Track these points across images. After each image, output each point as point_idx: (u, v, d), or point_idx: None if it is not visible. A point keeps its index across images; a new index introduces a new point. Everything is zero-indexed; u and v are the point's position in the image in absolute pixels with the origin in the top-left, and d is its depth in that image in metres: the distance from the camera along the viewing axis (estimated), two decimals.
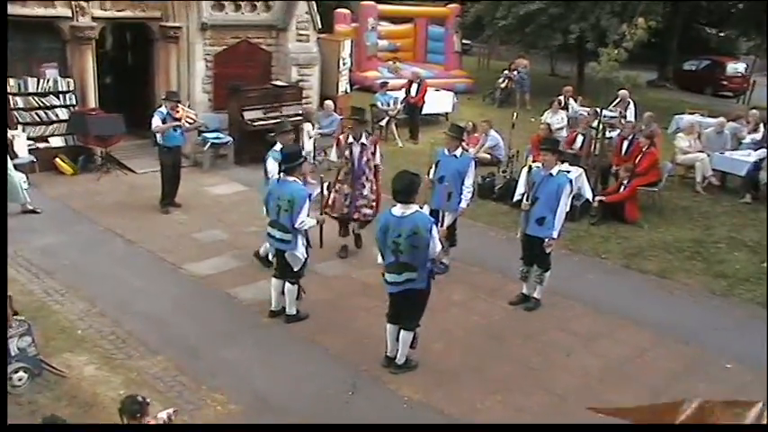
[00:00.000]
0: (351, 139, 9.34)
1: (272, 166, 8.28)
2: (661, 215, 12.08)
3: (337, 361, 7.08)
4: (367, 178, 9.42)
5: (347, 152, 9.31)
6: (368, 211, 9.51)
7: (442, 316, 7.88)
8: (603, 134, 12.72)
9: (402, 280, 6.40)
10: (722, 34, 31.03)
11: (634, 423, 2.64)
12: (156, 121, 10.80)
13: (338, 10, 23.48)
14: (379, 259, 6.60)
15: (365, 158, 9.35)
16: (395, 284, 6.46)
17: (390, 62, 23.66)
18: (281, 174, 7.38)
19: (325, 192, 9.19)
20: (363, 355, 7.15)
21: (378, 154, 9.56)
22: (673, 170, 13.36)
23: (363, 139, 9.35)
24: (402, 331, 6.75)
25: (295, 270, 7.60)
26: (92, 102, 13.24)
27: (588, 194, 11.87)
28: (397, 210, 6.28)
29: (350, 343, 7.42)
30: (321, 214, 8.40)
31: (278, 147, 8.65)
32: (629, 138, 12.82)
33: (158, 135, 10.91)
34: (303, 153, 8.16)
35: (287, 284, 7.68)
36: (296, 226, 7.25)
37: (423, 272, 6.38)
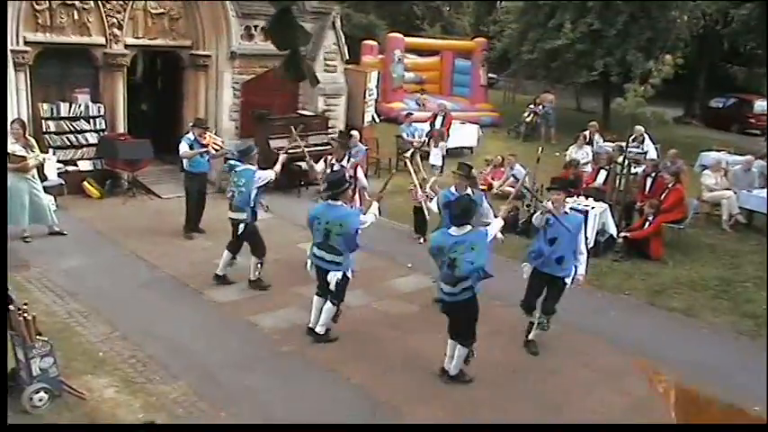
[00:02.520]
0: (333, 161, 9.76)
1: (184, 147, 10.12)
2: (686, 252, 11.92)
3: (358, 391, 7.01)
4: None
5: (328, 170, 9.49)
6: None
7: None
8: (629, 170, 12.64)
9: (458, 291, 6.89)
10: (751, 72, 30.79)
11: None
12: (183, 147, 10.92)
13: (365, 41, 23.78)
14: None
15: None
16: (451, 295, 6.94)
17: (418, 94, 23.77)
18: (330, 199, 7.62)
19: None
20: (384, 386, 7.08)
21: (361, 178, 10.10)
22: (698, 207, 13.22)
23: (344, 162, 9.73)
24: (458, 347, 7.22)
25: (338, 291, 7.76)
26: (121, 127, 13.45)
27: (612, 230, 11.78)
28: (454, 231, 6.89)
29: (371, 373, 7.36)
30: None
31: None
32: (653, 174, 12.73)
33: (185, 161, 11.02)
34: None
35: (328, 303, 7.82)
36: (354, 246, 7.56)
37: (474, 281, 6.86)
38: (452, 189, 8.59)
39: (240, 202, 9.17)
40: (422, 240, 11.32)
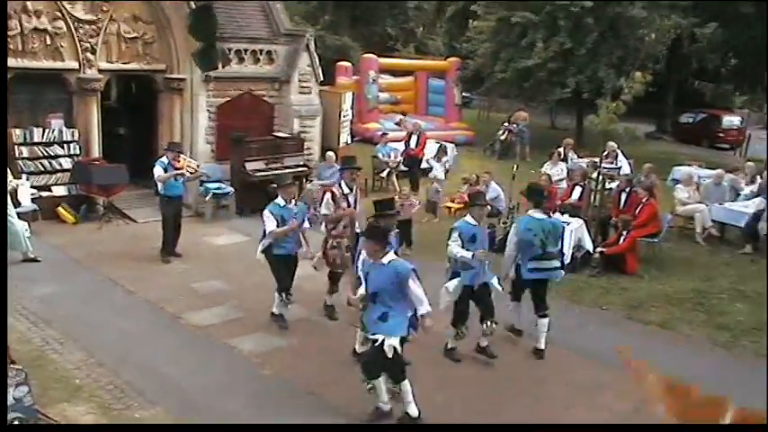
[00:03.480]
0: (346, 189, 9.00)
1: (158, 171, 9.83)
2: (662, 266, 12.04)
3: (340, 414, 6.97)
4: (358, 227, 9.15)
5: (344, 203, 8.98)
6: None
7: (443, 367, 7.78)
8: (603, 186, 12.77)
9: (552, 267, 8.14)
10: (718, 88, 31.44)
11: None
12: (157, 171, 10.87)
13: (340, 63, 23.85)
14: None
15: (359, 207, 9.17)
16: (545, 270, 8.15)
17: (399, 115, 23.73)
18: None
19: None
20: (366, 408, 7.04)
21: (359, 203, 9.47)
22: (672, 221, 13.36)
23: (355, 190, 9.20)
24: (541, 319, 8.23)
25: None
26: (95, 152, 13.36)
27: (588, 246, 11.86)
28: (538, 213, 8.08)
29: (353, 396, 7.29)
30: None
31: (280, 201, 8.68)
32: (627, 190, 12.86)
33: (160, 185, 10.97)
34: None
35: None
36: (422, 313, 6.43)
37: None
38: (470, 219, 7.92)
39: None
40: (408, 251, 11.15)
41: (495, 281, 8.04)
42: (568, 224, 11.59)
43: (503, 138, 22.57)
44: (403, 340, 6.46)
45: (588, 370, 8.21)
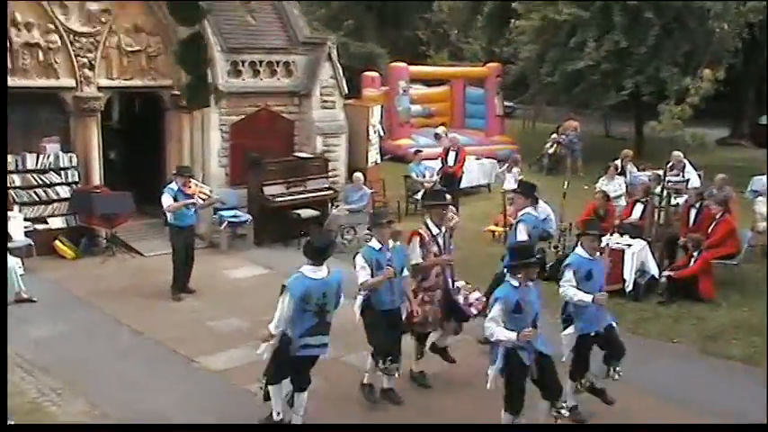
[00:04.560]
0: (435, 230, 8.40)
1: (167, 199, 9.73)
2: (743, 292, 11.80)
3: None
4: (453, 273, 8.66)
5: (434, 248, 8.37)
6: (477, 294, 8.59)
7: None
8: (668, 201, 12.60)
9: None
10: None
11: None
12: (166, 200, 10.97)
13: (366, 73, 23.98)
14: None
15: (451, 247, 8.60)
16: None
17: (438, 129, 23.68)
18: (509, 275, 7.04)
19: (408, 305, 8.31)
20: None
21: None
22: (753, 239, 13.10)
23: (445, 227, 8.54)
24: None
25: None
26: (96, 178, 13.51)
27: (654, 270, 11.70)
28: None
29: None
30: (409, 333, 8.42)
31: (375, 244, 8.04)
32: (697, 205, 12.68)
33: (169, 214, 11.07)
34: None
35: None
36: None
37: None
38: (582, 252, 7.67)
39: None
40: None
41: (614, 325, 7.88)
42: (629, 246, 11.47)
43: (551, 151, 22.45)
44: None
45: (657, 411, 8.07)
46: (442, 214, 8.49)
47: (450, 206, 9.20)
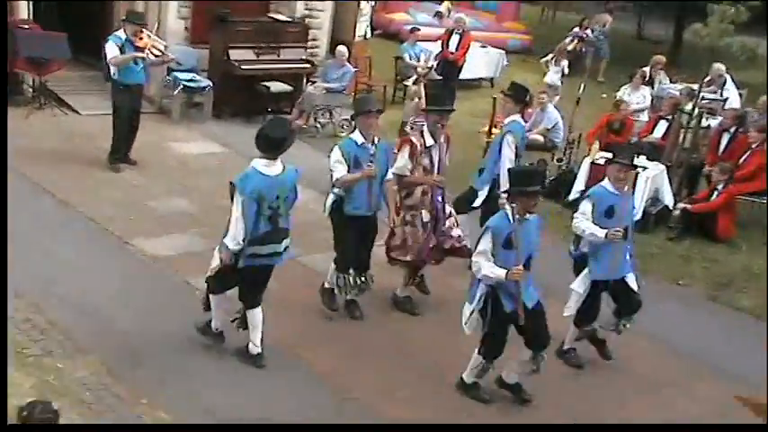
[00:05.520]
0: (430, 140, 8.27)
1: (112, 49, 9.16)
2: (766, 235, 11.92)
3: (320, 383, 7.09)
4: (444, 193, 8.61)
5: (426, 159, 8.28)
6: (458, 232, 8.60)
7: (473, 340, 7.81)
8: (699, 122, 12.57)
9: None
10: None
11: None
12: (111, 49, 10.74)
13: None
14: None
15: (445, 162, 8.49)
16: None
17: (445, 3, 23.29)
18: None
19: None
20: (353, 377, 7.16)
21: (448, 154, 8.65)
22: None
23: (442, 138, 8.40)
24: None
25: None
26: (24, 11, 13.03)
27: (668, 199, 11.78)
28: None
29: (339, 360, 7.43)
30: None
31: (357, 136, 7.98)
32: (731, 129, 12.67)
33: (113, 68, 10.86)
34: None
35: None
36: None
37: None
38: (607, 185, 7.61)
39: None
40: None
41: (632, 277, 7.84)
42: (644, 169, 11.44)
43: (570, 47, 22.20)
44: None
45: (653, 360, 8.26)
46: (439, 122, 8.28)
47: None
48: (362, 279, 8.14)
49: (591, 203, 7.50)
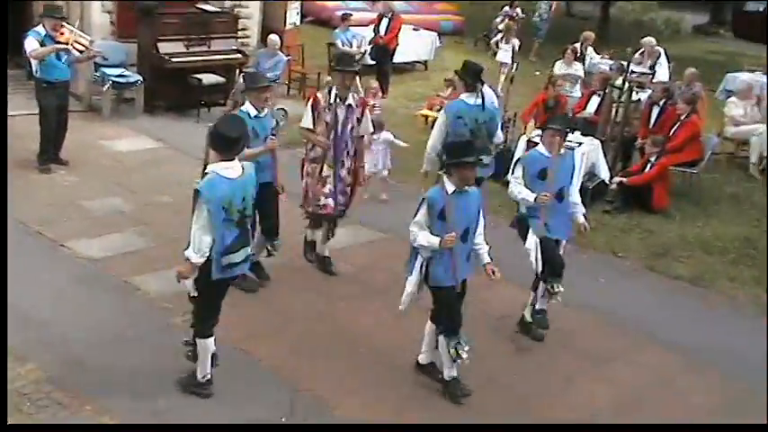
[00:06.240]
0: (335, 99, 8.67)
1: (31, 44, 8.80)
2: (700, 204, 12.15)
3: (271, 377, 7.06)
4: (348, 154, 8.89)
5: (329, 116, 8.65)
6: (341, 198, 8.95)
7: (419, 323, 7.82)
8: (629, 96, 12.73)
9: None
10: None
11: None
12: (30, 44, 10.52)
13: None
14: None
15: (350, 125, 8.78)
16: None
17: None
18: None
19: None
20: (305, 370, 7.14)
21: (368, 120, 9.09)
22: (718, 146, 13.42)
23: (350, 100, 8.75)
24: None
25: None
26: None
27: (605, 174, 11.92)
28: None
29: (288, 353, 7.40)
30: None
31: (249, 108, 8.17)
32: (661, 102, 12.85)
33: (35, 63, 10.64)
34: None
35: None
36: None
37: None
38: (541, 149, 7.85)
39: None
40: None
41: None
42: (579, 145, 11.57)
43: (501, 27, 22.30)
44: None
45: (595, 333, 8.37)
46: (346, 83, 8.65)
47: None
48: (271, 245, 8.44)
49: (522, 166, 7.79)
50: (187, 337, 6.75)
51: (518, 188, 7.72)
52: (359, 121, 8.85)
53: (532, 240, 7.80)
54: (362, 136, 9.12)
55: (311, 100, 8.81)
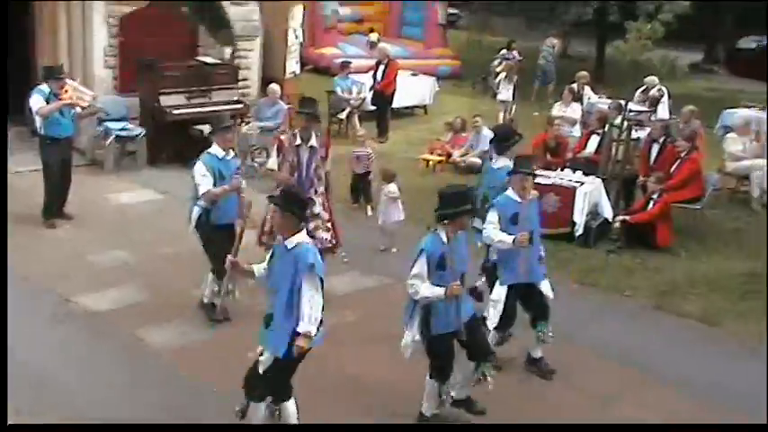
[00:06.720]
0: (298, 140, 9.21)
1: (201, 176, 8.37)
2: (704, 241, 12.13)
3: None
4: (315, 191, 9.30)
5: (292, 157, 9.16)
6: (324, 235, 9.29)
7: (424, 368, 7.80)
8: (629, 135, 12.79)
9: None
10: None
11: None
12: (36, 102, 10.64)
13: None
14: None
15: (314, 165, 9.27)
16: None
17: (374, 33, 23.42)
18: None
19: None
20: (312, 415, 7.04)
21: (329, 160, 9.53)
22: (719, 182, 13.44)
23: (313, 141, 9.23)
24: None
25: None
26: None
27: (607, 213, 11.93)
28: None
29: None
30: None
31: (216, 150, 8.54)
32: (660, 140, 12.89)
33: (39, 120, 10.75)
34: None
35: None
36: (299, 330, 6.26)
37: None
38: (511, 194, 7.90)
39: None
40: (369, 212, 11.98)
41: (546, 284, 8.06)
42: (582, 184, 11.63)
43: (499, 69, 22.47)
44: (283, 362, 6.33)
45: (603, 373, 8.30)
46: (306, 125, 9.22)
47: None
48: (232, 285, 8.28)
49: (496, 212, 7.83)
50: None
51: (494, 233, 7.74)
52: (323, 159, 9.35)
53: (501, 291, 7.86)
54: (329, 171, 9.56)
55: (276, 142, 9.43)
